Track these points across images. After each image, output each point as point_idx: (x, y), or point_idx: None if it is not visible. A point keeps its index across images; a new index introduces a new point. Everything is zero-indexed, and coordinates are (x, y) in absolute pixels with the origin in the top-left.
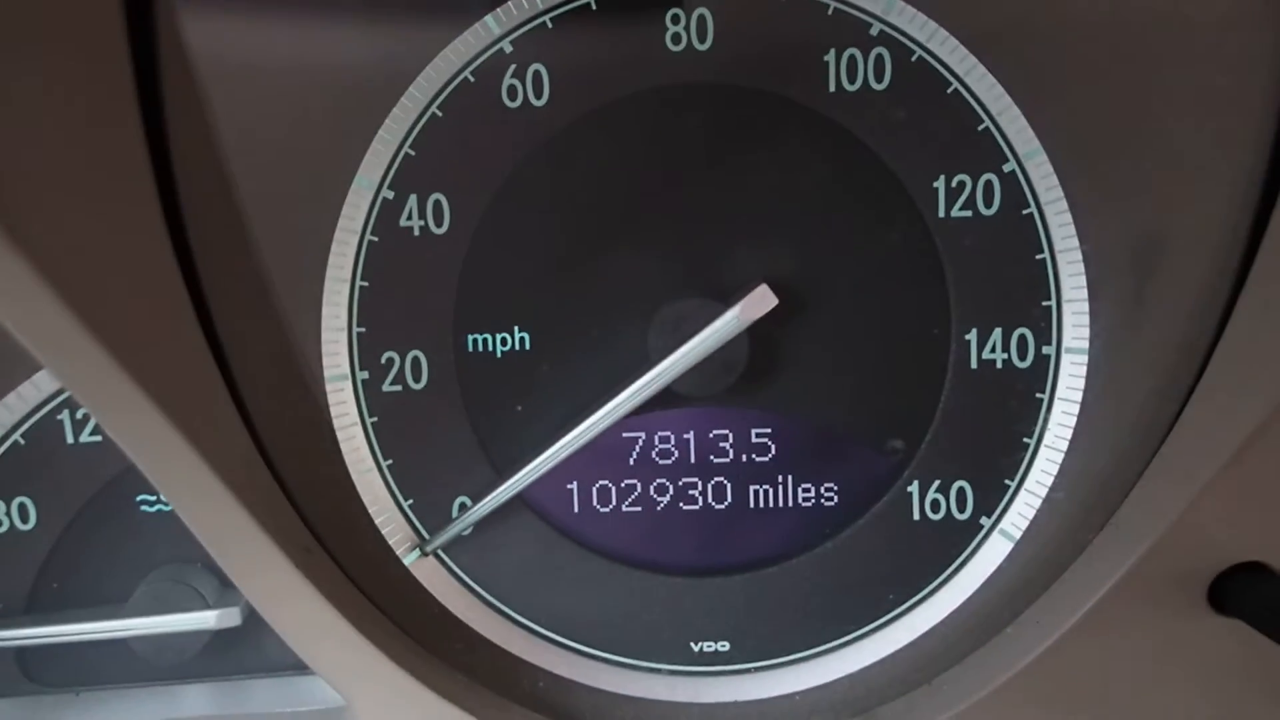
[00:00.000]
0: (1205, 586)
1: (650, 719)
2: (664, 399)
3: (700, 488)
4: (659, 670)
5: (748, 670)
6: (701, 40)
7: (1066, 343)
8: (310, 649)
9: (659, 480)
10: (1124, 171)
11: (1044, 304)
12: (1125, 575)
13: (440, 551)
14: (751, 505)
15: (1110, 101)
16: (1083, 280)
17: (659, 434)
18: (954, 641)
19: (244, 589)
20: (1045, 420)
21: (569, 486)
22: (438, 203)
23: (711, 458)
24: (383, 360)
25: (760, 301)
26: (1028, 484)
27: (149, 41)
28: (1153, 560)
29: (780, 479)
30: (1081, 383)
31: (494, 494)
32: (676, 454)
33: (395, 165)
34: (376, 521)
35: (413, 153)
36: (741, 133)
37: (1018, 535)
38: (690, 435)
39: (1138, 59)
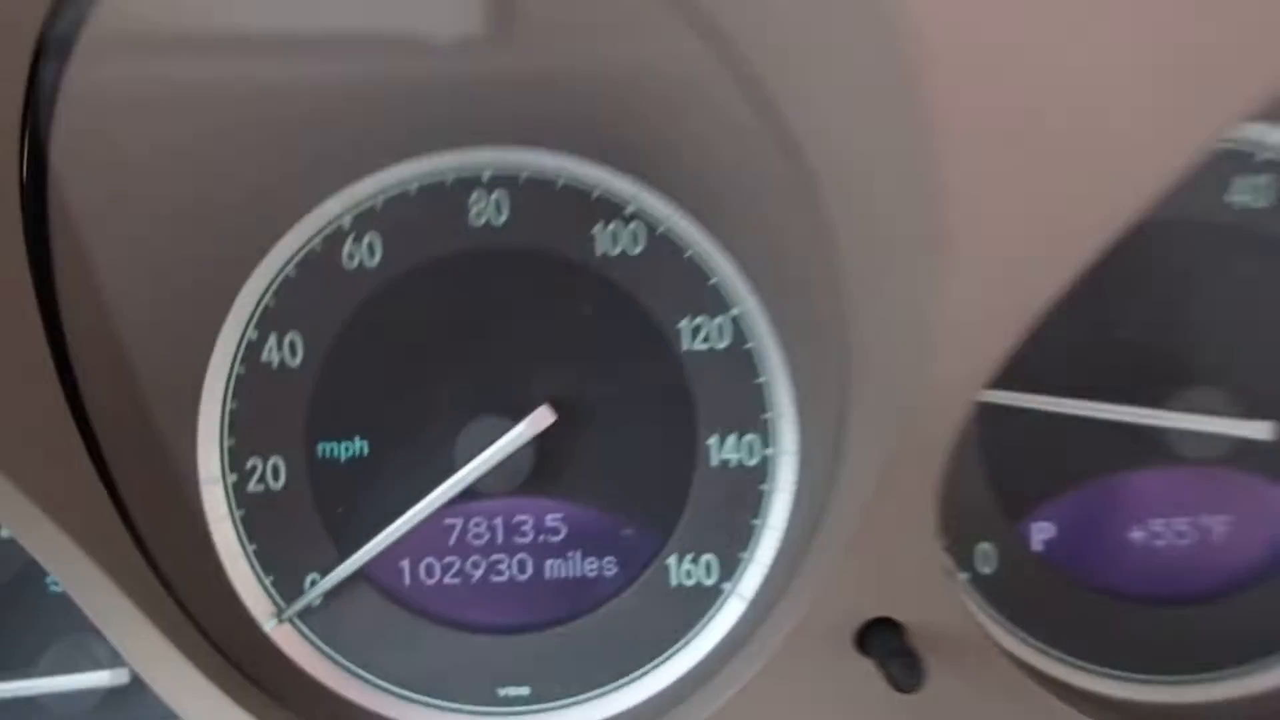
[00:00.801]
0: (852, 635)
1: None
2: (475, 494)
3: (507, 563)
4: (475, 712)
5: (544, 710)
6: (499, 216)
7: (783, 446)
8: (180, 703)
9: (473, 557)
10: (816, 313)
11: (764, 416)
12: (792, 630)
13: (296, 620)
14: (548, 576)
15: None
16: (790, 397)
17: (473, 520)
18: (700, 683)
19: (125, 655)
20: (769, 507)
21: (401, 564)
22: (293, 341)
23: (515, 538)
24: (248, 466)
25: (541, 419)
26: (757, 557)
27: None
28: (810, 617)
29: (570, 554)
30: (794, 476)
31: (336, 570)
32: (487, 536)
33: (257, 312)
34: (242, 595)
35: (271, 303)
36: (531, 287)
37: (750, 598)
38: (498, 521)
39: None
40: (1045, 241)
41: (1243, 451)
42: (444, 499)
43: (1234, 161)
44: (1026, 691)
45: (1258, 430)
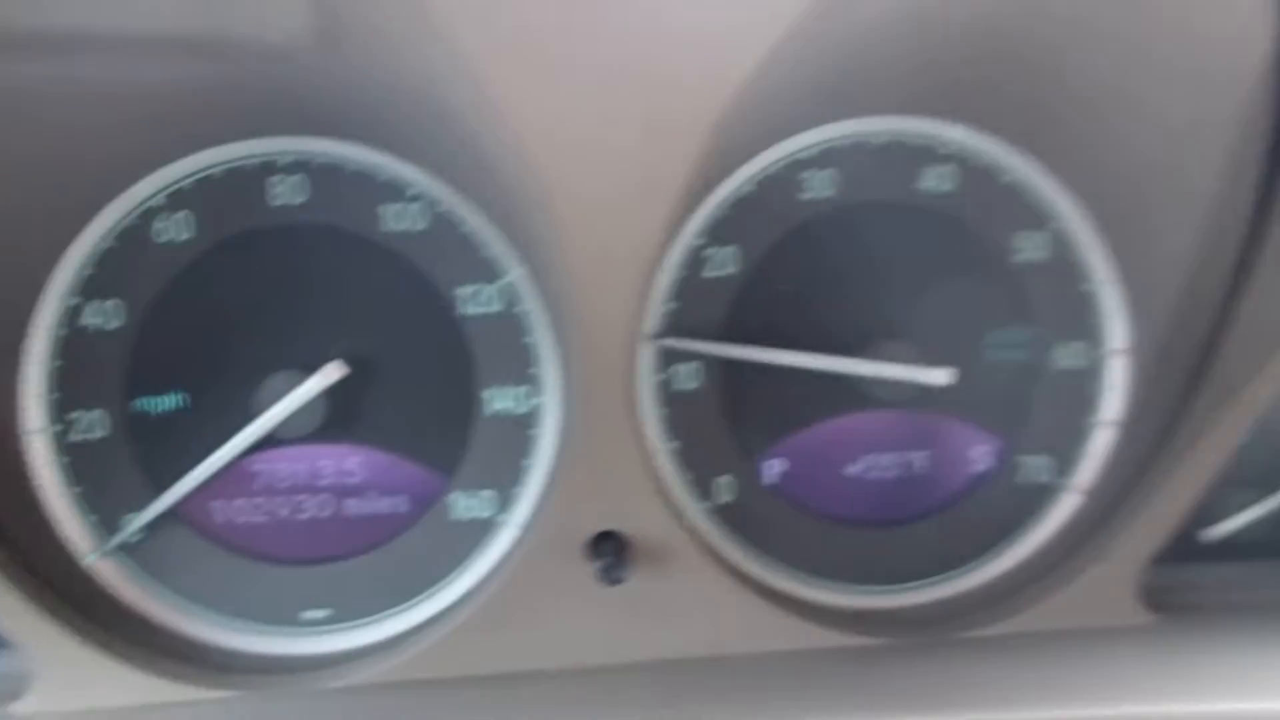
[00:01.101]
0: (582, 546)
1: (275, 669)
2: (279, 441)
3: (310, 502)
4: (279, 632)
5: (342, 629)
6: (297, 197)
7: (548, 396)
8: (12, 629)
9: (279, 498)
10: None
11: (532, 370)
12: (534, 544)
13: (121, 556)
14: (347, 513)
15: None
16: (555, 354)
17: (279, 465)
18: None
19: None
20: (537, 448)
21: (214, 505)
22: (113, 306)
23: (318, 481)
24: (71, 418)
25: (332, 372)
26: (527, 491)
27: None
28: (543, 529)
29: (366, 494)
30: (560, 421)
31: (149, 508)
32: (292, 479)
33: (80, 279)
34: (67, 534)
35: (93, 272)
36: (326, 259)
37: (521, 526)
38: (302, 465)
39: None
40: (635, 186)
41: (930, 395)
42: (245, 444)
43: (922, 154)
44: (731, 591)
45: (939, 376)
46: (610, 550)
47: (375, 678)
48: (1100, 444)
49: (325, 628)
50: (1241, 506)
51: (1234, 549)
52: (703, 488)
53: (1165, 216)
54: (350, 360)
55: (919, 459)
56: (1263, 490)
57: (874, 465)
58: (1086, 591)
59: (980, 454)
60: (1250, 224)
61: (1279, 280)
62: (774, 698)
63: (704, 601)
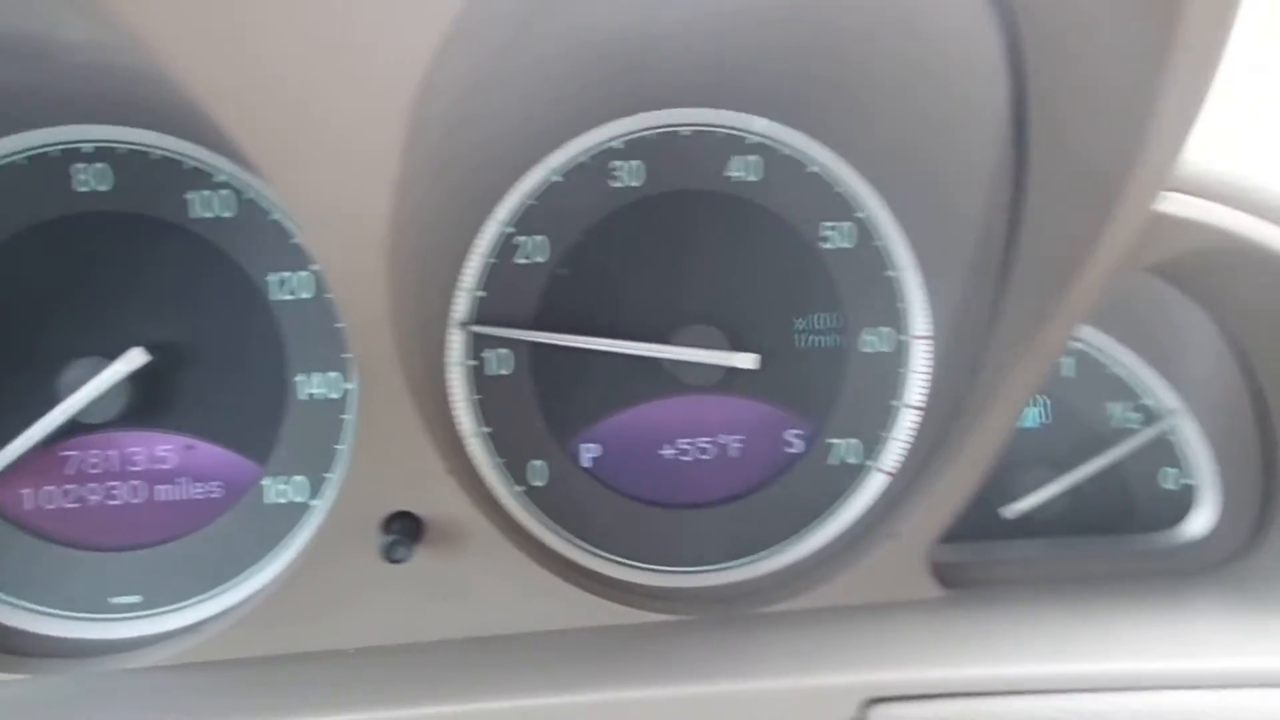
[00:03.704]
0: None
1: (83, 653)
2: (88, 428)
3: (121, 488)
4: (87, 618)
5: (153, 614)
6: (102, 184)
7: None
8: None
9: (90, 484)
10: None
11: (344, 355)
12: (332, 525)
13: None
14: (159, 499)
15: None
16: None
17: (90, 451)
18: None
19: None
20: (347, 433)
21: (23, 492)
22: None
23: (129, 467)
24: None
25: (134, 359)
26: (337, 475)
27: None
28: (342, 512)
29: (179, 480)
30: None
31: None
32: (103, 465)
33: None
34: None
35: None
36: (133, 246)
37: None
38: (113, 452)
39: None
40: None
41: (741, 380)
42: (46, 431)
43: (729, 144)
44: (532, 571)
45: (745, 361)
46: (400, 530)
47: (176, 658)
48: (905, 426)
49: (135, 613)
50: (1039, 485)
51: (1033, 525)
52: (516, 471)
53: (952, 209)
54: (157, 347)
55: (731, 442)
56: (1058, 470)
57: (687, 448)
58: (881, 568)
59: (791, 437)
60: (1009, 218)
61: (1037, 266)
62: (569, 671)
63: (505, 581)
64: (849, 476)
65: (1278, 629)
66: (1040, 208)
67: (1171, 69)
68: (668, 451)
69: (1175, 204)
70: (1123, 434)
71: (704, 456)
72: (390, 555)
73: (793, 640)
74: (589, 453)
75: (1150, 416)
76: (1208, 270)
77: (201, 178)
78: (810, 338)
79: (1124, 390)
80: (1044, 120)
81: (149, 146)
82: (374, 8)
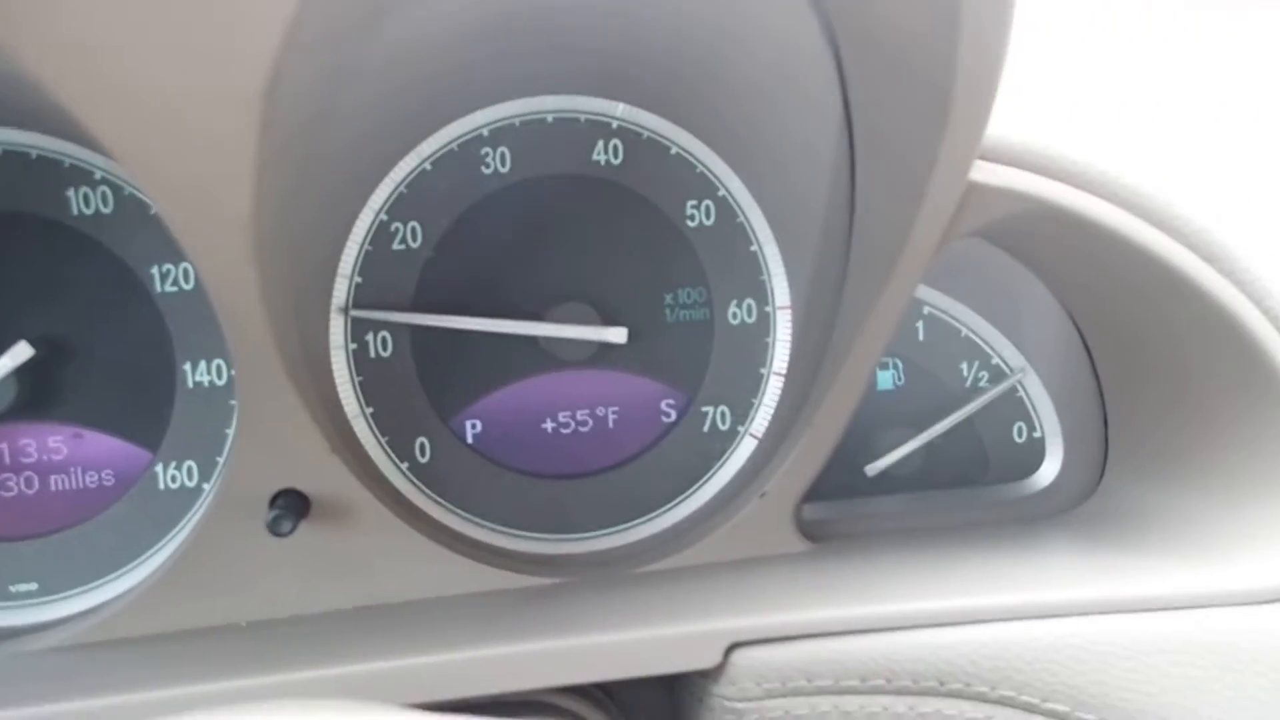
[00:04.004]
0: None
1: None
2: None
3: (15, 480)
4: None
5: (51, 601)
6: None
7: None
8: None
9: None
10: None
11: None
12: (221, 505)
13: None
14: (53, 489)
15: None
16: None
17: None
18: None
19: None
20: (234, 416)
21: None
22: None
23: (21, 459)
24: None
25: (20, 353)
26: (228, 459)
27: None
28: (229, 492)
29: (72, 469)
30: None
31: None
32: None
33: None
34: None
35: None
36: (15, 244)
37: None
38: (3, 445)
39: None
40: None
41: (615, 354)
42: None
43: (594, 128)
44: (416, 542)
45: (615, 335)
46: (285, 506)
47: (73, 639)
48: (771, 392)
49: (34, 600)
50: (898, 443)
51: (895, 481)
52: (400, 449)
53: (801, 185)
54: (43, 341)
55: (609, 414)
56: (916, 428)
57: (567, 421)
58: (750, 526)
59: (666, 406)
60: (848, 193)
61: (872, 237)
62: (452, 632)
63: (392, 553)
64: (722, 442)
65: (1115, 563)
66: (868, 182)
67: (963, 44)
68: (548, 425)
69: (987, 172)
70: (974, 393)
71: (583, 429)
72: (275, 529)
73: (663, 595)
74: (472, 429)
75: (998, 375)
76: (1029, 235)
77: (81, 175)
78: (680, 312)
79: (974, 351)
80: (861, 100)
81: (27, 147)
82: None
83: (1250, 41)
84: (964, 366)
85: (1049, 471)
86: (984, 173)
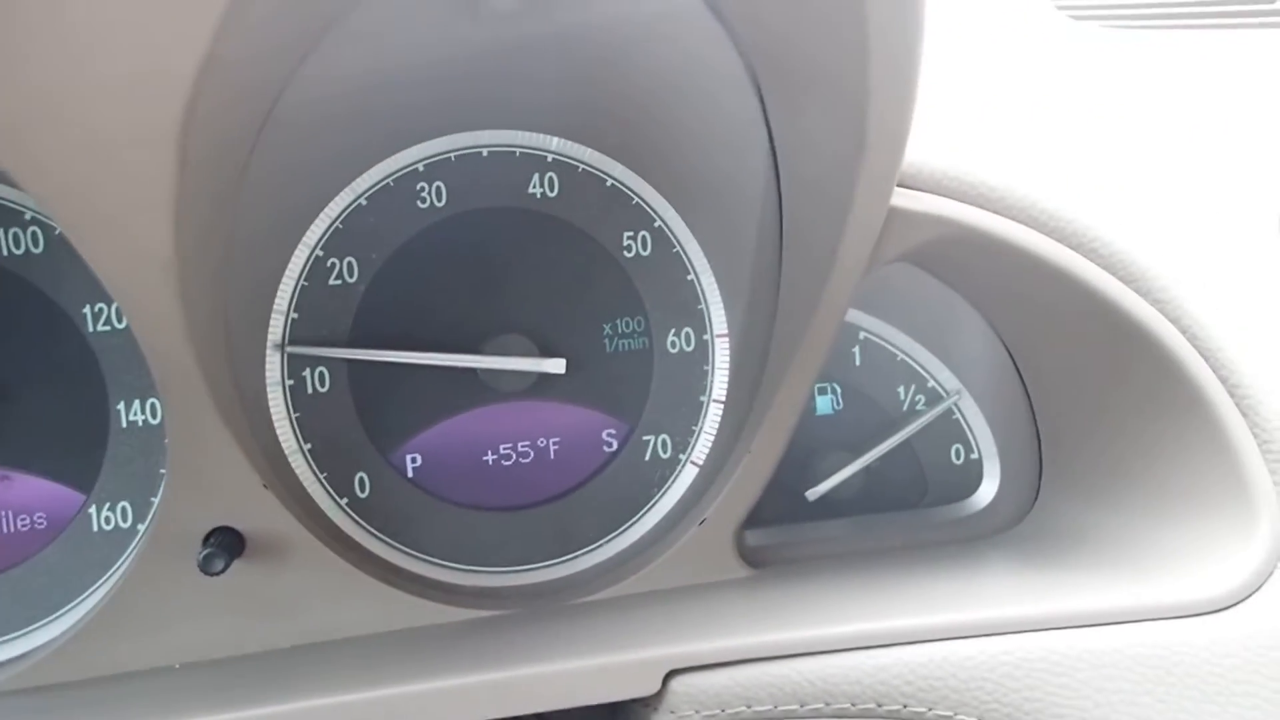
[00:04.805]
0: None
1: None
2: None
3: None
4: None
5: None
6: None
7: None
8: None
9: None
10: None
11: None
12: (153, 545)
13: None
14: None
15: None
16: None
17: None
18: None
19: None
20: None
21: None
22: None
23: None
24: None
25: None
26: (162, 498)
27: None
28: (162, 531)
29: (1, 515)
30: None
31: None
32: None
33: None
34: None
35: None
36: None
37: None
38: None
39: None
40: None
41: (555, 385)
42: None
43: (529, 162)
44: (354, 578)
45: (553, 366)
46: (218, 544)
47: (3, 685)
48: (711, 420)
49: None
50: (838, 467)
51: (836, 506)
52: (339, 484)
53: (734, 216)
54: None
55: (551, 444)
56: (855, 452)
57: (508, 453)
58: (691, 553)
59: (607, 436)
60: (778, 223)
61: (800, 265)
62: (390, 668)
63: (330, 589)
64: (663, 470)
65: (1049, 580)
66: (794, 211)
67: (873, 75)
68: (489, 457)
69: (909, 199)
70: (911, 416)
71: (524, 460)
72: (206, 568)
73: (603, 624)
74: (412, 462)
75: (935, 398)
76: (956, 260)
77: (10, 215)
78: (619, 341)
79: (911, 375)
80: (784, 132)
81: None
82: (132, 35)
83: (1167, 68)
84: (901, 390)
85: (987, 492)
86: (906, 199)
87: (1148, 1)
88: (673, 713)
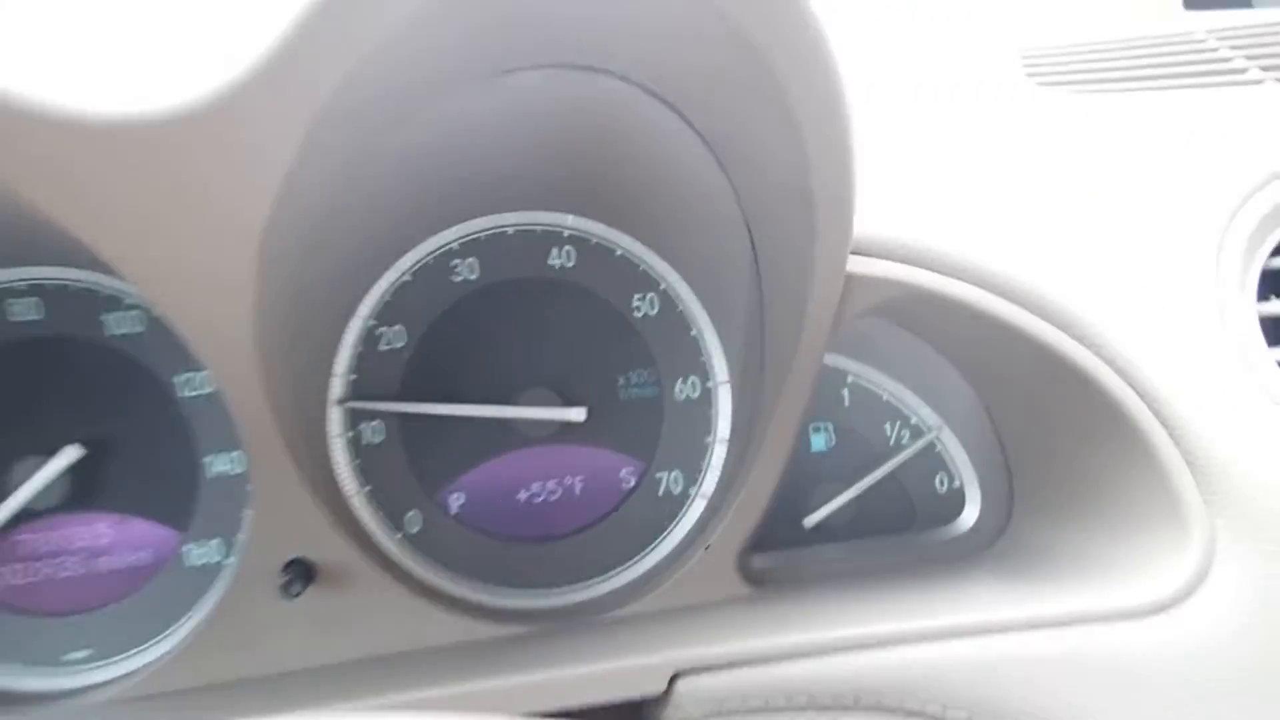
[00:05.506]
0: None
1: (40, 701)
2: (36, 513)
3: (69, 561)
4: (43, 673)
5: (104, 664)
6: (33, 314)
7: None
8: None
9: (39, 562)
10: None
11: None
12: (240, 575)
13: None
14: (102, 569)
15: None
16: None
17: (39, 533)
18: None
19: None
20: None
21: None
22: None
23: (75, 544)
24: None
25: (70, 454)
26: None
27: None
28: (247, 563)
29: (117, 551)
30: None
31: None
32: (51, 545)
33: None
34: None
35: None
36: (61, 359)
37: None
38: (56, 533)
39: None
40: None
41: (576, 431)
42: (3, 518)
43: (548, 237)
44: (408, 600)
45: (575, 414)
46: (295, 573)
47: (119, 695)
48: (717, 457)
49: (86, 665)
50: (832, 496)
51: (831, 532)
52: (394, 521)
53: (728, 279)
54: (88, 442)
55: (576, 482)
56: (848, 483)
57: (538, 491)
58: (697, 576)
59: (625, 474)
60: (760, 285)
61: (779, 322)
62: (436, 674)
63: (387, 611)
64: (675, 503)
65: (1014, 591)
66: (769, 279)
67: (814, 171)
68: (522, 494)
69: (865, 265)
70: (897, 449)
71: (553, 497)
72: (287, 592)
73: (619, 636)
74: (456, 501)
75: (918, 433)
76: (916, 314)
77: (115, 302)
78: (632, 390)
79: (895, 413)
80: (754, 214)
81: (70, 280)
82: (216, 170)
83: (1128, 126)
84: (887, 427)
85: (969, 517)
86: (862, 265)
87: (1114, 65)
88: (678, 709)
